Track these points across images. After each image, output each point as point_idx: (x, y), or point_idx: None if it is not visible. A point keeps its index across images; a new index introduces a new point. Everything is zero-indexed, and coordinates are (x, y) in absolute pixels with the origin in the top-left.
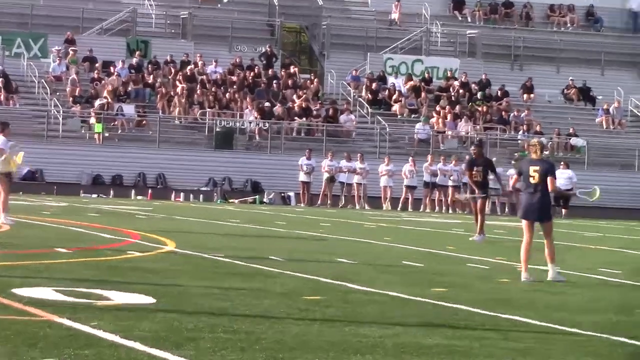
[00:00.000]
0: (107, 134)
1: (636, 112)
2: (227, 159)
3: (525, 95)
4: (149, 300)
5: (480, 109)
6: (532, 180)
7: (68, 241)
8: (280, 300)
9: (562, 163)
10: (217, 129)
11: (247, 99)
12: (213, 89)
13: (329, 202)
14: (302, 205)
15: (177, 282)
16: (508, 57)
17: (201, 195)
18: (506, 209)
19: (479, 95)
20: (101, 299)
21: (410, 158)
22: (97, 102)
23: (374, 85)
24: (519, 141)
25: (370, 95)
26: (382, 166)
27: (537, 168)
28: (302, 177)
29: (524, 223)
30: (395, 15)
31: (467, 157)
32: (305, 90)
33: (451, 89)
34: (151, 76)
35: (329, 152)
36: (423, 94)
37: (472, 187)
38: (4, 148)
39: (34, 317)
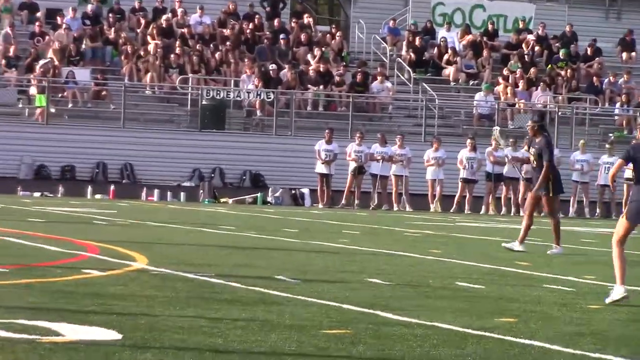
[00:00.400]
0: (53, 110)
1: None
2: (217, 144)
3: (624, 54)
4: (112, 335)
5: (562, 73)
6: None
7: (2, 257)
8: (290, 335)
9: None
10: (204, 102)
11: (245, 61)
12: (197, 47)
13: (356, 201)
14: (319, 206)
15: (151, 312)
16: (601, 2)
17: (182, 193)
18: (597, 211)
19: (561, 54)
20: (48, 334)
21: (469, 141)
22: (40, 65)
23: (417, 41)
24: (616, 117)
25: (412, 55)
26: (429, 152)
27: None
28: (320, 167)
29: (623, 225)
30: None
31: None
32: (324, 48)
33: (524, 46)
34: (112, 29)
35: (356, 134)
36: (485, 53)
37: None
38: None
39: None
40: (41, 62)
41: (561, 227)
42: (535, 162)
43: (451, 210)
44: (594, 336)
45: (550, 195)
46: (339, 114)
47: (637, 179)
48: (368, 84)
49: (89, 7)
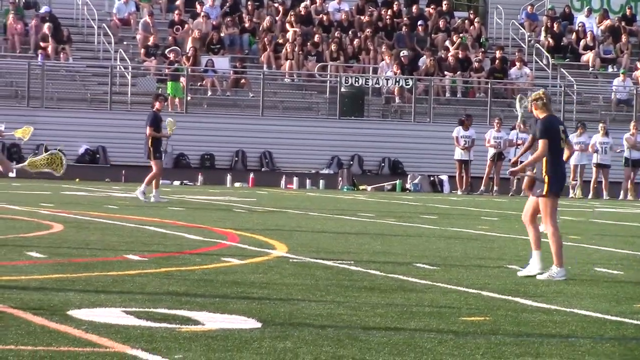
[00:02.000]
0: (189, 98)
1: None
2: (356, 131)
3: None
4: (251, 324)
5: None
6: None
7: (142, 245)
8: (429, 322)
9: None
10: (343, 90)
11: (383, 48)
12: (336, 35)
13: (495, 187)
14: (458, 192)
15: (290, 300)
16: None
17: (321, 181)
18: None
19: None
20: (188, 322)
21: (601, 125)
22: (168, 51)
23: (556, 27)
24: None
25: (551, 41)
26: (572, 137)
27: None
28: (459, 154)
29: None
30: None
31: None
32: (462, 35)
33: None
34: (252, 17)
35: (495, 120)
36: (624, 38)
37: None
38: None
39: (97, 347)
40: (170, 49)
41: None
42: None
43: (589, 196)
44: None
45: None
46: (478, 100)
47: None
48: (506, 70)
49: None
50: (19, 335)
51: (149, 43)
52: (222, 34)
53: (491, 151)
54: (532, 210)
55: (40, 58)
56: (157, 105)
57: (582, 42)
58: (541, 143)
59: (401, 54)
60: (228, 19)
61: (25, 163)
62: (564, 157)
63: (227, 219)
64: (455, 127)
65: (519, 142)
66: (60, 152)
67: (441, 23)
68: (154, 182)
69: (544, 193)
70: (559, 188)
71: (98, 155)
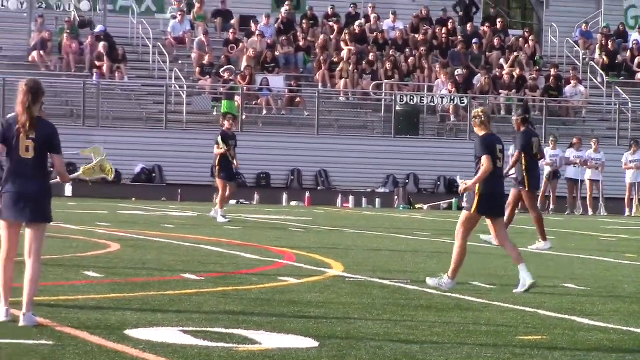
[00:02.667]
0: (245, 117)
1: None
2: (411, 149)
3: None
4: (309, 343)
5: None
6: None
7: (199, 264)
8: (486, 341)
9: None
10: (398, 108)
11: (438, 66)
12: (391, 53)
13: (551, 205)
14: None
15: (347, 319)
16: None
17: (377, 200)
18: None
19: None
20: (245, 342)
21: None
22: (223, 70)
23: (610, 44)
24: None
25: (606, 59)
26: (626, 155)
27: None
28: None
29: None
30: None
31: None
32: (517, 53)
33: None
34: (306, 36)
35: (550, 138)
36: None
37: None
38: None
39: None
40: (225, 68)
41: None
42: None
43: None
44: None
45: (527, 190)
46: (533, 118)
47: None
48: (561, 88)
49: (283, 13)
50: (76, 354)
51: (204, 62)
52: (277, 53)
53: (547, 169)
54: (503, 233)
55: (95, 77)
56: (226, 124)
57: (636, 60)
58: (484, 160)
59: (456, 72)
60: (283, 38)
61: (80, 172)
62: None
63: (283, 238)
64: (511, 145)
65: (577, 160)
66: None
67: (496, 41)
68: (218, 200)
69: (471, 210)
70: (488, 209)
71: (154, 174)
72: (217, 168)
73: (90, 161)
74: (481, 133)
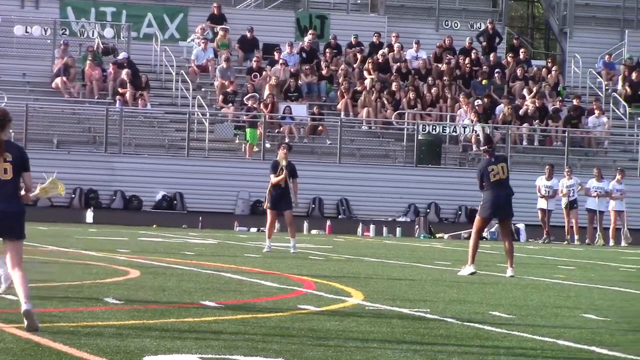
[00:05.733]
0: (268, 145)
1: None
2: (433, 179)
3: None
4: None
5: None
6: None
7: (219, 292)
8: None
9: None
10: (420, 137)
11: (461, 96)
12: (414, 82)
13: (576, 236)
14: (539, 241)
15: (366, 347)
16: None
17: (398, 228)
18: None
19: None
20: None
21: None
22: (247, 98)
23: (634, 75)
24: None
25: (628, 89)
26: None
27: None
28: (542, 203)
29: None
30: None
31: None
32: (540, 83)
33: None
34: (329, 65)
35: (565, 168)
36: None
37: None
38: None
39: None
40: (248, 95)
41: None
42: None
43: None
44: None
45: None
46: (555, 149)
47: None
48: (583, 119)
49: (306, 42)
50: None
51: (228, 90)
52: (299, 81)
53: (563, 200)
54: None
55: (118, 104)
56: (280, 153)
57: None
58: None
59: (476, 103)
60: (306, 67)
61: (37, 191)
62: None
63: (303, 266)
64: (537, 175)
65: (594, 193)
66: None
67: (519, 71)
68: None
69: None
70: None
71: (175, 202)
72: (267, 197)
73: (43, 181)
74: None
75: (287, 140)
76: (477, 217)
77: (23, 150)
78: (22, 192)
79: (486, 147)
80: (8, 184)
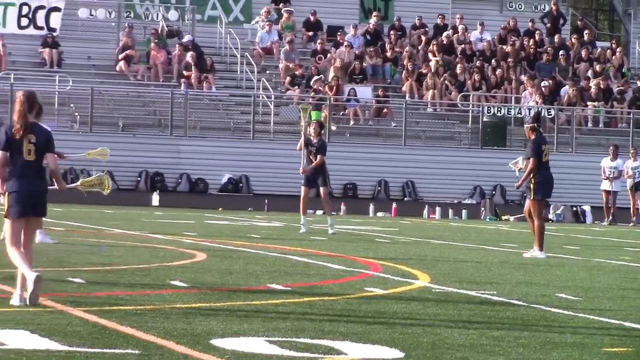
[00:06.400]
0: (334, 128)
1: None
2: (498, 160)
3: None
4: (395, 354)
5: None
6: None
7: (285, 275)
8: (572, 353)
9: None
10: (485, 119)
11: (525, 77)
12: (478, 64)
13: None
14: (603, 223)
15: (433, 330)
16: None
17: (464, 211)
18: None
19: None
20: (331, 352)
21: None
22: (313, 81)
23: None
24: None
25: None
26: None
27: None
28: (606, 184)
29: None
30: None
31: None
32: (604, 65)
33: None
34: (394, 47)
35: (630, 150)
36: None
37: None
38: None
39: None
40: (315, 78)
41: None
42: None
43: None
44: None
45: (532, 198)
46: (620, 131)
47: None
48: None
49: (370, 24)
50: None
51: (296, 72)
52: (364, 64)
53: (629, 182)
54: None
55: (183, 87)
56: (311, 130)
57: None
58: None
59: (542, 84)
60: (371, 49)
61: (78, 183)
62: None
63: (369, 249)
64: (602, 156)
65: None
66: (108, 173)
67: (583, 53)
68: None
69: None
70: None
71: (241, 184)
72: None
73: (91, 174)
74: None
75: (352, 123)
76: (535, 200)
77: (49, 133)
78: (51, 177)
79: (535, 124)
80: (32, 165)
